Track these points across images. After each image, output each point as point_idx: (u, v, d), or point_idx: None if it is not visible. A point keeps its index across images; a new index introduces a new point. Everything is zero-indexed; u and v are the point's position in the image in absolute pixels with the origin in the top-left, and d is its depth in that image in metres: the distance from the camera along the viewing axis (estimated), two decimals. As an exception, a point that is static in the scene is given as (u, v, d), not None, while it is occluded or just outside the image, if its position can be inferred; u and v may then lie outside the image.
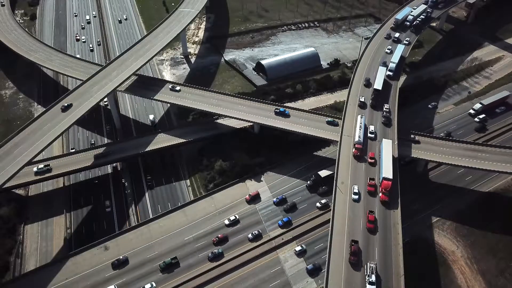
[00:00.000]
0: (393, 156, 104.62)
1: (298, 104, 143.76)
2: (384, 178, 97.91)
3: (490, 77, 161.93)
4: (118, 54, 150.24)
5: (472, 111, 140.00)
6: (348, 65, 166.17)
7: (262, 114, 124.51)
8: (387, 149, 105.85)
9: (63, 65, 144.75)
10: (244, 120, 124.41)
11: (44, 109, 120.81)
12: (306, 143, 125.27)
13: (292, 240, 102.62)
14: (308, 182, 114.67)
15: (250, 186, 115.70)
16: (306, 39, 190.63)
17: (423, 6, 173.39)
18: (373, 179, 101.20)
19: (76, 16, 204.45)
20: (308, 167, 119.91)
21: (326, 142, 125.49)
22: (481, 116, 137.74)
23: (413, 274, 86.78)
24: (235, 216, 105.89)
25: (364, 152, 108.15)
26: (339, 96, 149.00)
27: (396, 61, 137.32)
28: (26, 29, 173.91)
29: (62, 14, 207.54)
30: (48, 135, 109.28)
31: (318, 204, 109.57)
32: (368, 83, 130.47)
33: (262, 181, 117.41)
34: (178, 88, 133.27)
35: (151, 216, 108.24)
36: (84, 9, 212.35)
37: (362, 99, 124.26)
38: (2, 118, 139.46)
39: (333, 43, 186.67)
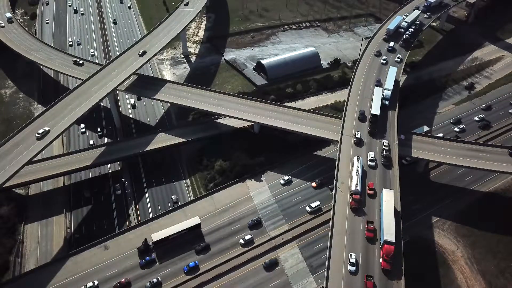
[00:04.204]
0: (395, 210, 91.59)
1: (299, 103, 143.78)
2: (386, 242, 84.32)
3: (490, 77, 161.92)
4: (118, 54, 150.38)
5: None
6: (349, 64, 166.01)
7: (263, 114, 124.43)
8: (388, 203, 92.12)
9: (63, 65, 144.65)
10: (244, 119, 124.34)
11: (44, 108, 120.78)
12: (306, 143, 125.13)
13: (292, 240, 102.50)
14: (139, 245, 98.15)
15: (250, 186, 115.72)
16: (306, 38, 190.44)
17: (415, 14, 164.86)
18: (372, 223, 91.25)
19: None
20: (308, 167, 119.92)
21: (326, 142, 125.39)
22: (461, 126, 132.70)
23: (413, 274, 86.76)
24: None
25: (362, 203, 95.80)
26: (339, 95, 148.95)
27: (391, 88, 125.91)
28: (26, 28, 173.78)
29: (62, 14, 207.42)
30: (48, 134, 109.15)
31: (241, 241, 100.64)
32: (363, 117, 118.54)
33: (262, 181, 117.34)
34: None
35: (151, 216, 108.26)
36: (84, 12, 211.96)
37: (358, 135, 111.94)
38: (2, 117, 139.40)
39: (333, 43, 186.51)
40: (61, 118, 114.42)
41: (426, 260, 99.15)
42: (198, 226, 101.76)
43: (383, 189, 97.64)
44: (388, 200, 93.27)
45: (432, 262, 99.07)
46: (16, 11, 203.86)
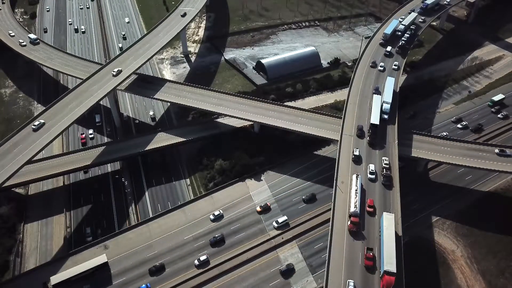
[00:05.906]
0: (396, 234, 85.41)
1: (298, 103, 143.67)
2: (386, 272, 78.19)
3: (490, 76, 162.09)
4: (118, 53, 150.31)
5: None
6: (349, 64, 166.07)
7: (263, 113, 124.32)
8: (388, 230, 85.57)
9: (63, 64, 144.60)
10: (244, 119, 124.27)
11: (44, 108, 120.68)
12: (306, 143, 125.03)
13: (292, 239, 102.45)
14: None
15: (250, 185, 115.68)
16: (306, 38, 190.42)
17: (412, 16, 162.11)
18: (371, 250, 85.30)
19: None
20: (308, 167, 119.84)
21: (326, 142, 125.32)
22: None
23: (413, 274, 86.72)
24: None
25: (362, 227, 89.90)
26: (339, 95, 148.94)
27: (390, 100, 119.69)
28: (26, 28, 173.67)
29: (62, 13, 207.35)
30: (48, 134, 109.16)
31: (196, 262, 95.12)
32: (361, 133, 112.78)
33: (262, 180, 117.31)
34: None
35: (151, 215, 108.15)
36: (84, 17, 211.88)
37: (357, 153, 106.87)
38: (2, 117, 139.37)
39: (333, 42, 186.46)
40: (61, 117, 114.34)
41: (426, 260, 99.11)
42: (105, 265, 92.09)
43: (384, 213, 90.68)
44: (389, 226, 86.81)
45: (432, 262, 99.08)
46: (16, 10, 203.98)
